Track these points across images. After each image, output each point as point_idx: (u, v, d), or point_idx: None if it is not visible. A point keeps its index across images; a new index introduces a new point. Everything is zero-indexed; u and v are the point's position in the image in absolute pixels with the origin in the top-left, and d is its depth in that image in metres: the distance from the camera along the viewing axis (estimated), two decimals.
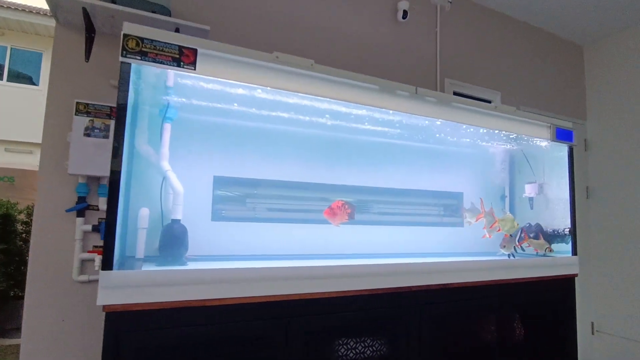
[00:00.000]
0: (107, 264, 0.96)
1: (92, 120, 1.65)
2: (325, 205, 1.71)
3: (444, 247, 2.19)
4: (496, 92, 3.03)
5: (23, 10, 9.38)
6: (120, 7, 1.66)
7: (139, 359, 0.98)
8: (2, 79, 10.01)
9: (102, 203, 1.74)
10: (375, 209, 1.91)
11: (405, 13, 2.56)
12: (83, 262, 1.70)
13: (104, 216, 1.75)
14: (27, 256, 4.62)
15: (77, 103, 1.65)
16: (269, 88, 1.20)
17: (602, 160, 3.42)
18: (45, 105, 1.71)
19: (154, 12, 1.74)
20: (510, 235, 2.02)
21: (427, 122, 1.77)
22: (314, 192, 1.76)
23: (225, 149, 1.59)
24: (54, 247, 1.68)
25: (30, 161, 9.48)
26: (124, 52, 1.00)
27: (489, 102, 2.93)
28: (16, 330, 4.33)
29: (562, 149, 2.13)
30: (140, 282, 1.00)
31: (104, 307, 0.95)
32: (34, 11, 9.48)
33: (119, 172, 1.01)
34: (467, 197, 2.32)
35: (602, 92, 3.48)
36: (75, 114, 1.63)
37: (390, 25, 2.62)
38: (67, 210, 1.68)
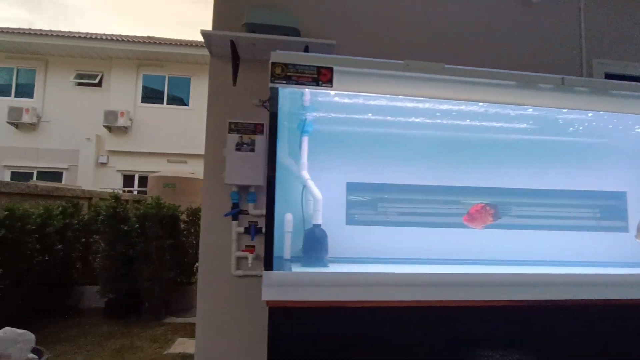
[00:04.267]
0: (268, 265, 1.11)
1: (241, 137, 1.91)
2: (459, 208, 1.65)
3: (603, 256, 1.87)
4: None
5: (179, 44, 11.25)
6: (259, 35, 1.88)
7: (296, 350, 1.10)
8: (163, 103, 12.20)
9: (251, 208, 1.99)
10: (515, 211, 1.75)
11: None
12: (238, 259, 1.98)
13: (253, 220, 2.00)
14: (189, 250, 5.54)
15: (230, 122, 1.92)
16: (400, 97, 1.22)
17: None
18: (206, 125, 2.04)
19: (286, 34, 1.92)
20: None
21: (573, 115, 1.55)
22: (446, 195, 1.71)
23: (356, 156, 1.67)
24: (216, 245, 1.99)
25: (185, 169, 11.37)
26: (272, 78, 1.14)
27: None
28: (184, 310, 5.22)
29: None
30: (301, 281, 1.13)
31: (267, 302, 1.10)
32: (185, 44, 11.32)
33: (274, 183, 1.16)
34: (632, 198, 1.93)
35: None
36: (229, 132, 1.91)
37: (521, 8, 2.36)
38: (225, 215, 1.98)
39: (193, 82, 12.08)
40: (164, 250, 4.93)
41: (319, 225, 1.46)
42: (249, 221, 2.00)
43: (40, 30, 11.27)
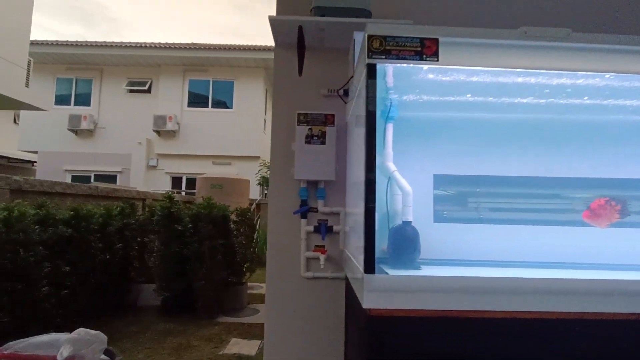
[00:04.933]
0: (369, 268, 0.97)
1: (311, 129, 1.79)
2: (566, 203, 1.42)
3: None
4: None
5: (221, 49, 11.50)
6: (330, 19, 1.75)
7: None
8: (208, 106, 12.53)
9: (321, 205, 1.86)
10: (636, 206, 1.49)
11: None
12: (308, 260, 1.86)
13: (322, 218, 1.87)
14: (239, 250, 5.56)
15: (298, 114, 1.80)
16: (517, 70, 1.04)
17: None
18: (272, 118, 1.94)
19: (357, 17, 1.78)
20: None
21: None
22: (548, 188, 1.48)
23: (445, 145, 1.49)
24: (283, 245, 1.88)
25: (230, 170, 11.58)
26: (370, 53, 1.00)
27: None
28: (236, 310, 5.23)
29: None
30: (406, 287, 0.98)
31: (369, 310, 0.96)
32: (227, 48, 11.54)
33: (373, 180, 1.01)
34: None
35: None
36: (297, 124, 1.79)
37: None
38: (294, 213, 1.86)
39: (236, 85, 12.31)
40: (216, 250, 4.95)
41: (410, 222, 1.30)
42: (318, 219, 1.88)
43: (96, 42, 11.94)
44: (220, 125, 12.13)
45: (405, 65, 1.01)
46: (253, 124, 12.12)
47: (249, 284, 5.68)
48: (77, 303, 3.76)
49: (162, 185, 11.73)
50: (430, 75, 1.18)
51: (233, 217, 5.72)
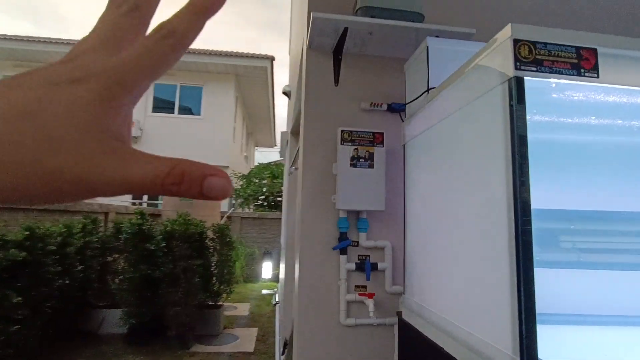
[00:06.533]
0: (530, 332, 0.71)
1: (357, 149, 1.51)
2: None
3: None
4: None
5: (190, 52, 10.91)
6: (380, 21, 1.49)
7: None
8: (174, 112, 11.85)
9: (363, 239, 1.58)
10: None
11: None
12: (349, 304, 1.56)
13: (366, 254, 1.59)
14: (217, 269, 5.09)
15: (342, 131, 1.52)
16: None
17: None
18: (302, 133, 1.64)
19: (412, 21, 1.54)
20: None
21: None
22: None
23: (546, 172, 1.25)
24: (318, 286, 1.57)
25: None
26: (517, 63, 0.75)
27: None
28: (211, 337, 4.76)
29: None
30: None
31: None
32: (196, 52, 10.99)
33: (530, 217, 0.76)
34: None
35: None
36: (341, 143, 1.51)
37: None
38: (334, 248, 1.57)
39: (205, 91, 11.75)
40: (193, 272, 4.49)
41: None
42: (359, 255, 1.59)
43: (49, 38, 10.94)
44: (187, 133, 11.50)
45: (552, 80, 0.78)
46: (222, 132, 11.61)
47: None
48: (29, 335, 3.17)
49: (121, 196, 10.86)
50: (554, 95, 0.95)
51: (210, 233, 5.27)
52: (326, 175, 1.61)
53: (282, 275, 6.30)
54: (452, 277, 1.04)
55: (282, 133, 5.02)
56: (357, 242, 1.58)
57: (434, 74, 1.22)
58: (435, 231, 1.14)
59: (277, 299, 7.14)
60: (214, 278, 4.96)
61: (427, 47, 1.25)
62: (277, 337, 4.82)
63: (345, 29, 1.51)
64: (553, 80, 0.78)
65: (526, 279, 0.74)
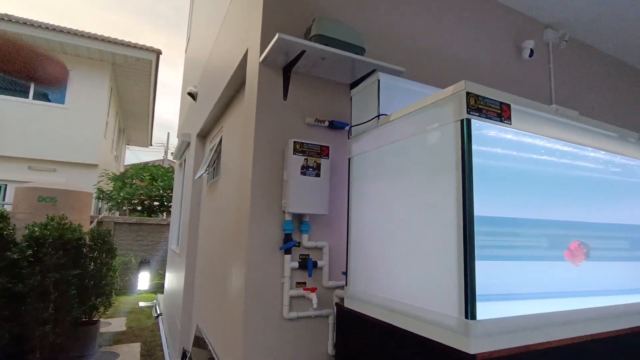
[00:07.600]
0: (472, 314, 0.99)
1: (307, 159, 1.69)
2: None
3: None
4: None
5: (51, 29, 9.41)
6: (333, 50, 1.72)
7: None
8: (28, 97, 9.99)
9: (305, 240, 1.76)
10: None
11: (532, 52, 2.68)
12: (292, 299, 1.71)
13: (306, 253, 1.77)
14: (93, 280, 4.51)
15: (294, 142, 1.68)
16: (549, 138, 1.27)
17: None
18: (253, 141, 1.74)
19: (356, 53, 1.81)
20: None
21: None
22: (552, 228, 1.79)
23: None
24: (263, 283, 1.68)
25: (55, 179, 9.35)
26: (468, 109, 1.05)
27: None
28: (85, 358, 4.22)
29: None
30: (508, 328, 1.05)
31: (476, 355, 0.97)
32: (63, 30, 9.54)
33: (472, 222, 1.05)
34: None
35: None
36: (293, 153, 1.67)
37: (514, 62, 2.73)
38: (281, 248, 1.70)
39: (73, 77, 10.20)
40: (68, 284, 3.94)
41: None
42: (300, 254, 1.76)
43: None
44: (44, 122, 9.80)
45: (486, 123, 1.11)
46: (92, 126, 10.24)
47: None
48: None
49: None
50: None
51: (87, 239, 4.67)
52: (273, 182, 1.74)
53: (170, 284, 5.90)
54: (401, 268, 1.31)
55: (183, 134, 4.82)
56: (300, 242, 1.75)
57: (383, 103, 1.50)
58: (385, 231, 1.40)
59: (158, 311, 6.63)
60: (90, 290, 4.42)
61: (379, 80, 1.52)
62: (166, 350, 4.53)
63: (302, 52, 1.69)
64: (487, 123, 1.11)
65: (469, 263, 1.04)
